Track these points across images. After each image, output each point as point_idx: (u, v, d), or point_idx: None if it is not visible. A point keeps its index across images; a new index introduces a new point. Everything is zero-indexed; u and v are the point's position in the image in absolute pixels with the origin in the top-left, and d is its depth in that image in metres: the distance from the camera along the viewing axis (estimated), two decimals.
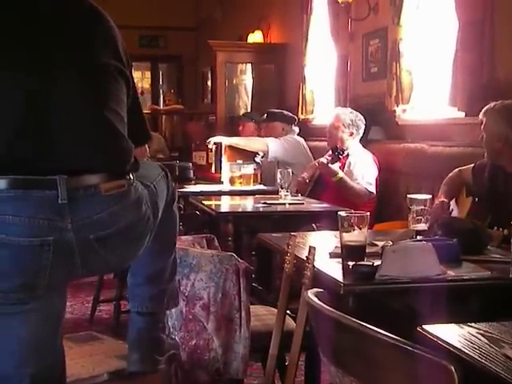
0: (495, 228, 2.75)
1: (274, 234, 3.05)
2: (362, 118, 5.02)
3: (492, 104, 3.16)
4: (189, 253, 2.65)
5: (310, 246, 2.31)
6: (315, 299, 1.43)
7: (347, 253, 2.29)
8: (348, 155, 4.91)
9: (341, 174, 4.75)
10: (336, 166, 4.78)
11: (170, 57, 12.29)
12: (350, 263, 2.22)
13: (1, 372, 1.88)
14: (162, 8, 11.26)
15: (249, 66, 8.21)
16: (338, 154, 4.77)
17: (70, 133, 1.83)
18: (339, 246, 2.36)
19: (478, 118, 3.24)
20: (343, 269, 2.25)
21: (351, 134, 4.96)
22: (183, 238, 3.00)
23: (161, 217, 2.12)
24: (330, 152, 4.92)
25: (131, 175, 1.94)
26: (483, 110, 3.17)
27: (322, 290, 1.52)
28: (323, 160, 4.86)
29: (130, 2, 11.25)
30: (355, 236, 2.29)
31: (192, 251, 2.67)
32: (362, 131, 5.02)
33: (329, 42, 6.15)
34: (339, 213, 2.33)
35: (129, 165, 1.93)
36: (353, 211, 2.50)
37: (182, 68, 12.37)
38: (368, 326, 1.27)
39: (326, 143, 5.20)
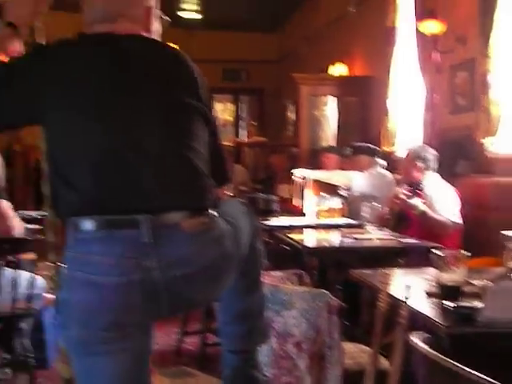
0: None
1: (364, 271, 3.01)
2: (431, 150, 4.93)
3: None
4: (280, 289, 2.64)
5: (405, 285, 2.28)
6: (420, 343, 1.40)
7: (444, 292, 2.25)
8: (425, 189, 4.84)
9: (422, 207, 4.67)
10: (416, 200, 4.70)
11: (252, 89, 12.44)
12: (449, 304, 2.17)
13: None
14: (246, 42, 11.46)
15: (332, 98, 8.21)
16: (415, 188, 4.71)
17: (152, 171, 1.86)
18: (434, 284, 2.32)
19: None
20: (441, 309, 2.20)
21: (422, 168, 4.88)
22: (273, 273, 3.00)
23: (245, 253, 2.12)
24: (408, 187, 4.87)
25: (213, 212, 1.95)
26: None
27: (423, 332, 1.50)
28: (402, 196, 4.78)
29: (214, 37, 11.51)
30: (452, 275, 2.25)
31: (283, 288, 2.67)
32: (433, 163, 4.91)
33: (414, 74, 6.11)
34: (435, 251, 2.30)
35: (210, 202, 1.95)
36: (447, 250, 2.46)
37: (264, 100, 12.50)
38: (469, 370, 1.24)
39: None
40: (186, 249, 1.86)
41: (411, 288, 2.26)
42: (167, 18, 2.17)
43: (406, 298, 2.20)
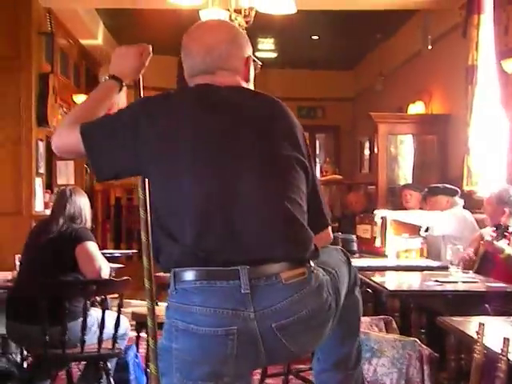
0: None
1: (454, 318, 2.95)
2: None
3: None
4: (370, 337, 2.62)
5: (504, 338, 2.22)
6: None
7: None
8: None
9: (508, 250, 4.55)
10: (502, 243, 4.59)
11: (328, 127, 12.48)
12: None
13: None
14: (321, 80, 11.52)
15: (409, 136, 8.15)
16: (502, 231, 4.60)
17: (252, 223, 1.88)
18: None
19: None
20: None
21: (509, 213, 4.76)
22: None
23: (344, 302, 2.12)
24: (494, 228, 4.76)
25: (311, 262, 1.96)
26: None
27: None
28: (488, 238, 4.68)
29: (289, 75, 11.62)
30: None
31: (374, 335, 2.64)
32: None
33: (497, 112, 6.01)
34: None
35: (308, 253, 1.95)
36: None
37: (340, 137, 12.50)
38: None
39: None
40: (283, 300, 1.87)
41: (510, 341, 2.20)
42: (259, 62, 2.19)
43: (503, 351, 2.14)
